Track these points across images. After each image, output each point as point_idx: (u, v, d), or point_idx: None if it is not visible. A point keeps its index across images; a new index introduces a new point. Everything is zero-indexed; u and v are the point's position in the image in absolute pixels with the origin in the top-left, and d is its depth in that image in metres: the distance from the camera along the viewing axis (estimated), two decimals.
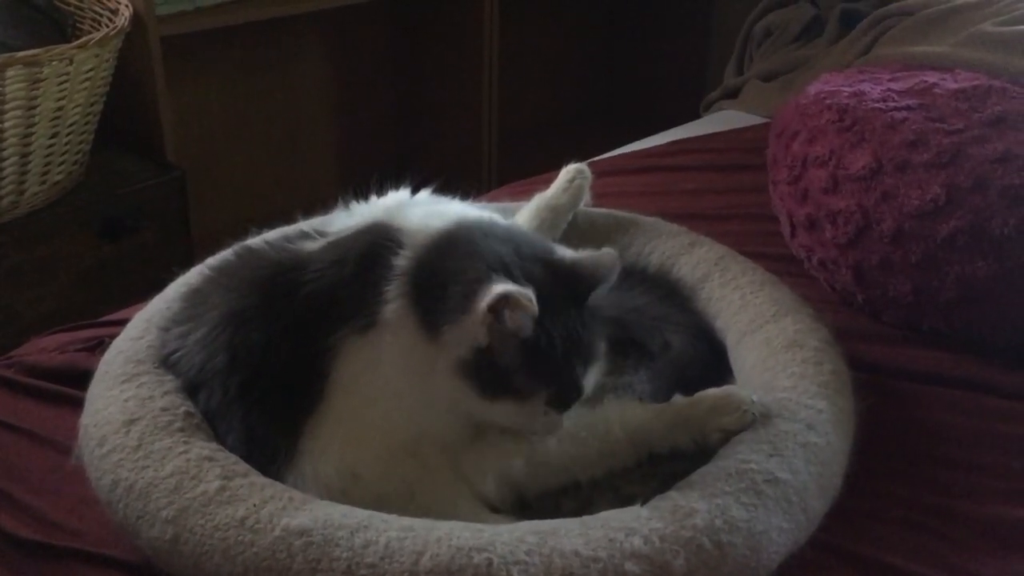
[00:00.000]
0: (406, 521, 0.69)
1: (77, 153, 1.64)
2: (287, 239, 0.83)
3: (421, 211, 0.82)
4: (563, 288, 0.76)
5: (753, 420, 0.79)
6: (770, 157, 1.22)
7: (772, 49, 1.89)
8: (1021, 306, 1.00)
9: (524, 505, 0.79)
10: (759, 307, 0.94)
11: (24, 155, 1.52)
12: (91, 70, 1.56)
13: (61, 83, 1.51)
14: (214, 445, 0.76)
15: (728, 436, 0.79)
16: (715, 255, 1.02)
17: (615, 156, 1.59)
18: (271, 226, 0.96)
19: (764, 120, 1.69)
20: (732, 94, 1.89)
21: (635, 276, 1.04)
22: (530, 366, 0.73)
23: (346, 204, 0.88)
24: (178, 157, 1.78)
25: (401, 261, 0.75)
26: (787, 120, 1.18)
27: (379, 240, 0.77)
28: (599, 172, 1.48)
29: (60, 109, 1.54)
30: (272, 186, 2.29)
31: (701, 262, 1.02)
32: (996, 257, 0.98)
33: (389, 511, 0.71)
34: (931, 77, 1.14)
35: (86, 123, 1.63)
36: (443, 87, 2.31)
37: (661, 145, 1.61)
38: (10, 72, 1.41)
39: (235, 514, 0.68)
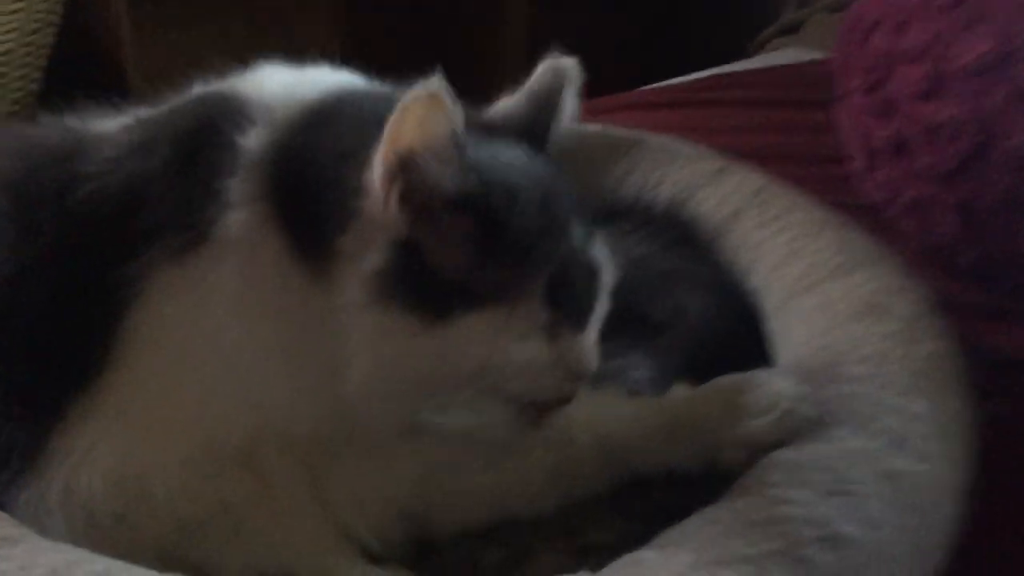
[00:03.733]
0: None
1: (17, 90, 1.47)
2: (77, 118, 0.57)
3: (280, 77, 0.56)
4: (507, 138, 0.53)
5: (800, 427, 0.49)
6: (837, 63, 0.92)
7: None
8: None
9: (423, 551, 0.53)
10: (816, 255, 0.63)
11: None
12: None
13: None
14: None
15: (755, 453, 0.50)
16: (752, 185, 0.72)
17: (642, 91, 1.34)
18: None
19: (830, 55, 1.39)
20: (792, 29, 1.62)
21: (635, 216, 0.75)
22: (491, 241, 0.48)
23: None
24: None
25: (251, 143, 0.51)
26: (863, 9, 0.88)
27: (212, 115, 0.53)
28: (623, 105, 1.23)
29: None
30: None
31: (731, 194, 0.72)
32: None
33: (191, 558, 0.48)
34: None
35: (27, 55, 1.45)
36: (466, 26, 2.04)
37: (699, 79, 1.35)
38: None
39: None
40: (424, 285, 0.47)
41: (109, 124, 0.55)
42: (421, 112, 0.45)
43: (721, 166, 0.74)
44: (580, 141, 0.79)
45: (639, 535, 0.48)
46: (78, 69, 1.57)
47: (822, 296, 0.60)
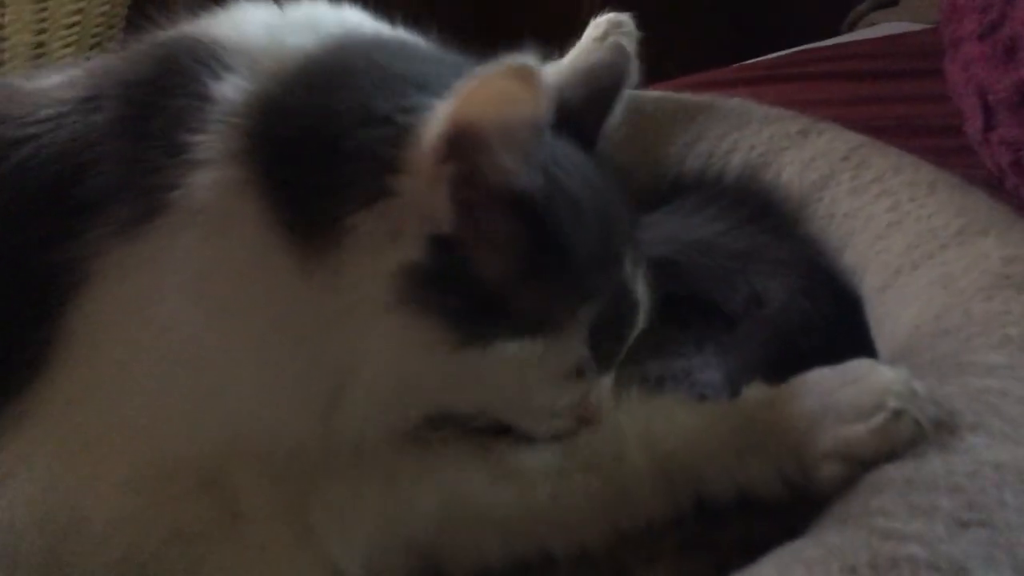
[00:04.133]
0: None
1: (98, 26, 1.44)
2: (22, 76, 0.49)
3: (264, 18, 0.45)
4: (561, 130, 0.42)
5: (913, 433, 0.37)
6: (945, 9, 0.77)
7: None
8: None
9: None
10: (928, 221, 0.51)
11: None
12: (80, 2, 1.36)
13: (36, 14, 1.31)
14: None
15: (855, 468, 0.38)
16: (843, 146, 0.60)
17: (727, 68, 1.22)
18: None
19: (935, 25, 1.24)
20: (890, 2, 1.48)
21: (703, 190, 0.64)
22: (546, 261, 0.40)
23: None
24: None
25: (228, 93, 0.41)
26: None
27: (176, 61, 0.43)
28: (704, 83, 1.13)
29: (40, 46, 1.34)
30: None
31: (818, 158, 0.60)
32: None
33: None
34: None
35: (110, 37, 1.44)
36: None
37: (791, 53, 1.22)
38: None
39: None
40: (461, 294, 0.39)
41: (52, 78, 0.46)
42: (506, 88, 0.36)
43: (804, 126, 0.63)
44: (637, 108, 0.68)
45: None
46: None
47: (940, 268, 0.47)
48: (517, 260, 0.39)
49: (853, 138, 0.60)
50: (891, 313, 0.48)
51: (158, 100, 0.41)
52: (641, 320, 0.45)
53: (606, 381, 0.44)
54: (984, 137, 0.73)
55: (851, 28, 1.52)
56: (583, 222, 0.40)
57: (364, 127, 0.39)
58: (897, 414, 0.37)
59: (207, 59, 0.42)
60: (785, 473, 0.40)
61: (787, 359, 0.50)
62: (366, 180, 0.38)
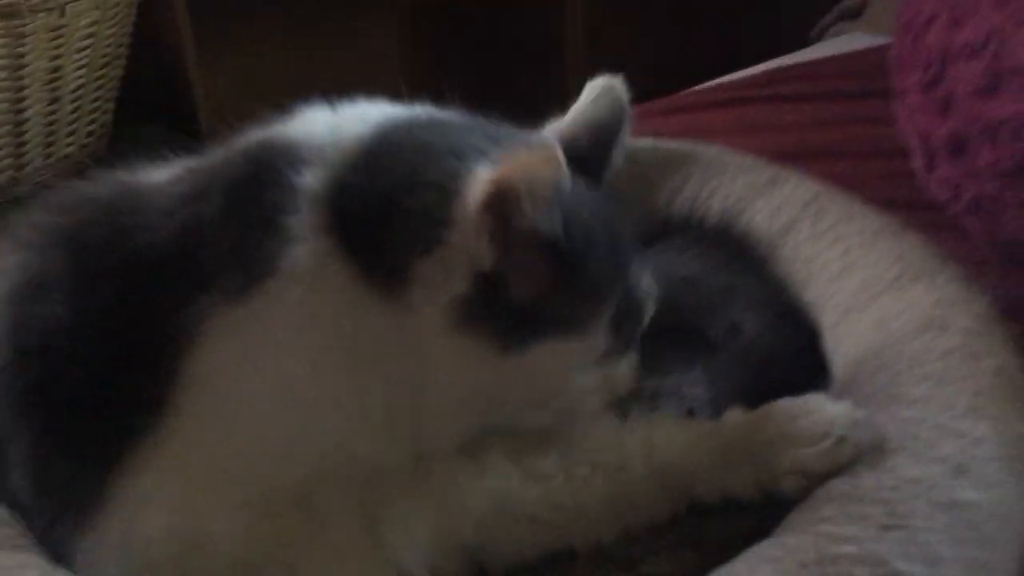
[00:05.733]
0: None
1: (91, 123, 1.49)
2: (128, 172, 0.59)
3: (326, 118, 0.56)
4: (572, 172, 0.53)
5: (854, 454, 0.49)
6: (894, 60, 0.89)
7: None
8: None
9: None
10: (873, 267, 0.62)
11: (18, 123, 1.38)
12: (93, 24, 1.41)
13: (53, 39, 1.36)
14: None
15: (810, 482, 0.49)
16: (805, 195, 0.71)
17: (697, 89, 1.33)
18: None
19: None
20: (854, 14, 1.58)
21: (689, 232, 0.75)
22: (566, 277, 0.51)
23: None
24: (217, 129, 1.64)
25: (309, 182, 0.51)
26: (919, 3, 0.85)
27: (266, 160, 0.53)
28: (675, 108, 1.22)
29: (57, 70, 1.39)
30: None
31: (784, 205, 0.70)
32: None
33: None
34: None
35: (99, 88, 1.48)
36: (521, 61, 2.07)
37: (754, 75, 1.33)
38: None
39: None
40: (502, 314, 0.50)
41: (158, 175, 0.56)
42: (533, 162, 0.48)
43: (773, 175, 0.73)
44: (632, 157, 0.78)
45: (694, 565, 0.49)
46: (147, 97, 1.61)
47: (879, 311, 0.58)
48: (545, 283, 0.50)
49: (812, 188, 0.71)
50: (841, 347, 0.59)
51: (255, 194, 0.51)
52: (651, 306, 0.57)
53: (630, 358, 0.56)
54: (927, 174, 0.85)
55: (820, 37, 1.61)
56: (594, 243, 0.51)
57: (417, 193, 0.50)
58: (840, 440, 0.48)
59: (288, 158, 0.52)
60: (758, 482, 0.51)
61: (759, 381, 0.61)
62: (423, 235, 0.49)
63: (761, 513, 0.50)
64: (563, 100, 0.63)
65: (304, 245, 0.49)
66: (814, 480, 0.48)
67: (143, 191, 0.55)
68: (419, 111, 0.58)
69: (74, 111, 1.44)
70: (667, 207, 0.75)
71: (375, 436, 0.51)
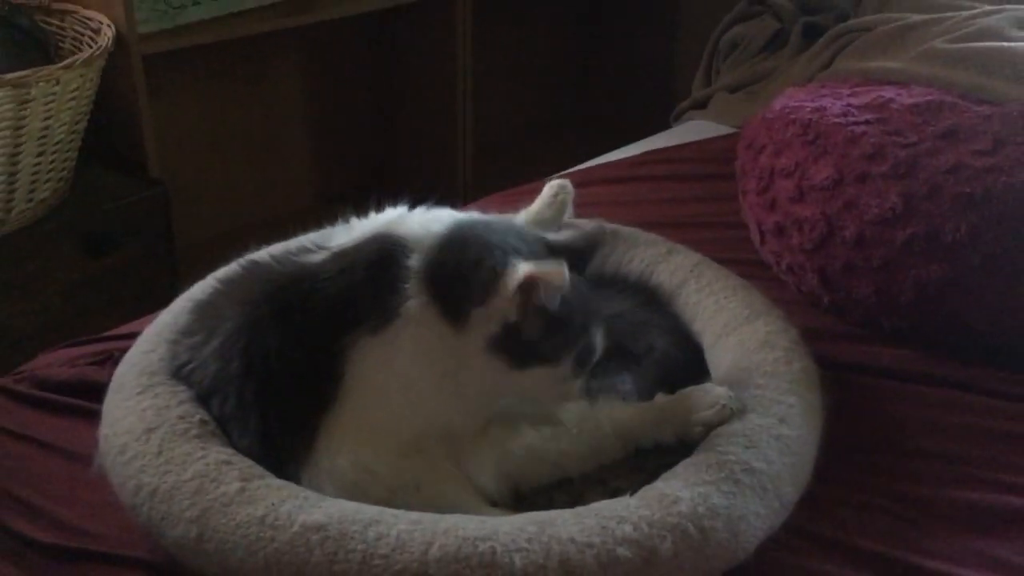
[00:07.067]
0: (414, 515, 0.74)
1: (63, 171, 1.67)
2: (291, 252, 0.88)
3: (418, 219, 0.86)
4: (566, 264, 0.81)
5: (731, 415, 0.85)
6: (739, 168, 1.28)
7: (738, 61, 1.95)
8: (973, 306, 1.07)
9: (519, 499, 0.84)
10: (733, 311, 0.99)
11: (12, 174, 1.55)
12: (76, 89, 1.59)
13: (48, 103, 1.54)
14: (230, 450, 0.80)
15: (708, 430, 0.85)
16: (691, 262, 1.07)
17: (588, 168, 1.64)
18: (254, 238, 0.99)
19: (732, 130, 1.75)
20: (701, 105, 1.95)
21: (617, 283, 1.09)
22: (556, 333, 0.80)
23: (346, 220, 0.92)
24: (160, 172, 1.80)
25: (413, 263, 0.80)
26: (755, 133, 1.24)
27: (386, 247, 0.82)
28: (573, 183, 1.54)
29: (47, 128, 1.57)
30: (252, 199, 2.32)
31: (678, 269, 1.07)
32: (949, 260, 1.05)
33: (397, 504, 0.76)
34: (888, 92, 1.21)
35: (71, 141, 1.66)
36: (418, 100, 2.36)
37: (633, 156, 1.65)
38: None
39: (255, 513, 0.73)
40: (516, 346, 0.79)
41: (316, 258, 0.84)
42: (551, 272, 0.76)
43: (669, 248, 1.10)
44: None
45: (644, 482, 0.79)
46: (102, 139, 1.76)
47: (738, 337, 0.96)
48: (542, 332, 0.79)
49: (696, 256, 1.07)
50: (716, 359, 0.96)
51: (383, 270, 0.80)
52: (597, 354, 0.84)
53: (579, 380, 0.84)
54: (760, 246, 1.24)
55: (676, 120, 1.97)
56: (574, 312, 0.80)
57: (477, 272, 0.78)
58: (724, 407, 0.85)
59: (400, 247, 0.81)
60: (677, 433, 0.86)
61: (668, 381, 0.92)
62: (479, 297, 0.78)
63: (679, 452, 0.85)
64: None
65: (413, 301, 0.79)
66: (710, 429, 0.85)
67: (312, 268, 0.83)
68: (472, 216, 0.89)
69: (52, 161, 1.62)
70: (602, 266, 1.12)
71: (457, 411, 0.83)
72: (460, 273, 0.80)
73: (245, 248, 0.99)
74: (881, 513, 0.88)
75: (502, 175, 1.62)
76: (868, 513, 0.88)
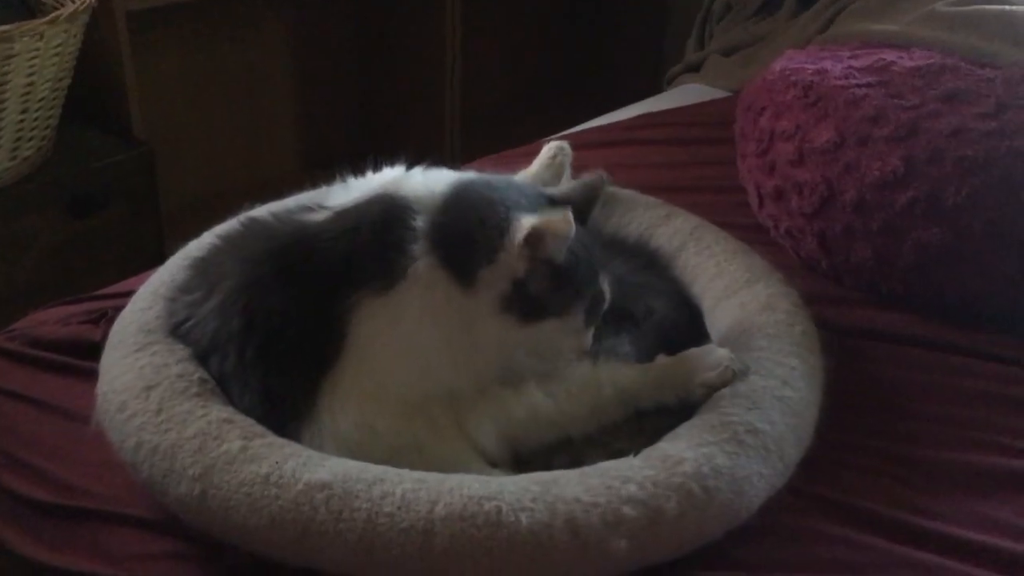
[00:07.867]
0: (418, 474, 0.74)
1: (46, 128, 1.65)
2: (291, 211, 0.86)
3: (420, 179, 0.85)
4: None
5: (734, 376, 0.85)
6: (738, 131, 1.27)
7: (732, 24, 1.94)
8: (972, 270, 1.07)
9: (519, 461, 0.83)
10: (733, 274, 0.99)
11: None
12: (59, 45, 1.56)
13: (31, 58, 1.52)
14: (230, 409, 0.79)
15: (710, 392, 0.85)
16: (690, 225, 1.07)
17: (581, 130, 1.62)
18: (239, 200, 0.97)
19: (726, 94, 1.75)
20: (694, 68, 1.93)
21: (615, 246, 1.07)
22: (565, 285, 0.80)
23: (343, 179, 0.91)
24: (144, 132, 1.78)
25: (419, 224, 0.79)
26: (754, 95, 1.24)
27: (390, 208, 0.81)
28: (575, 145, 1.52)
29: (30, 84, 1.54)
30: (236, 160, 2.29)
31: (677, 232, 1.07)
32: (950, 224, 1.05)
33: (399, 464, 0.76)
34: (889, 55, 1.20)
35: (54, 98, 1.63)
36: (406, 65, 2.32)
37: (628, 119, 1.64)
38: None
39: (259, 471, 0.72)
40: (526, 302, 0.79)
41: (317, 216, 0.83)
42: (556, 220, 0.77)
43: (668, 211, 1.10)
44: None
45: (645, 443, 0.80)
46: (85, 98, 1.73)
47: (738, 299, 0.97)
48: (551, 286, 0.80)
49: (695, 220, 1.08)
50: (716, 322, 0.96)
51: (389, 230, 0.79)
52: (607, 303, 0.84)
53: (591, 330, 0.84)
54: (758, 210, 1.24)
55: (669, 84, 1.96)
56: (580, 264, 0.80)
57: (483, 230, 0.78)
58: (726, 368, 0.85)
59: (404, 207, 0.80)
60: (678, 395, 0.86)
61: (668, 343, 0.91)
62: (486, 256, 0.77)
63: (678, 414, 0.86)
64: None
65: (421, 262, 0.78)
66: (713, 390, 0.85)
67: (314, 227, 0.82)
68: (472, 176, 0.88)
69: (36, 119, 1.59)
70: (600, 230, 1.11)
71: (461, 373, 0.82)
72: (467, 233, 0.79)
73: (231, 210, 0.97)
74: (881, 475, 0.88)
75: (490, 142, 1.59)
76: (868, 475, 0.88)
